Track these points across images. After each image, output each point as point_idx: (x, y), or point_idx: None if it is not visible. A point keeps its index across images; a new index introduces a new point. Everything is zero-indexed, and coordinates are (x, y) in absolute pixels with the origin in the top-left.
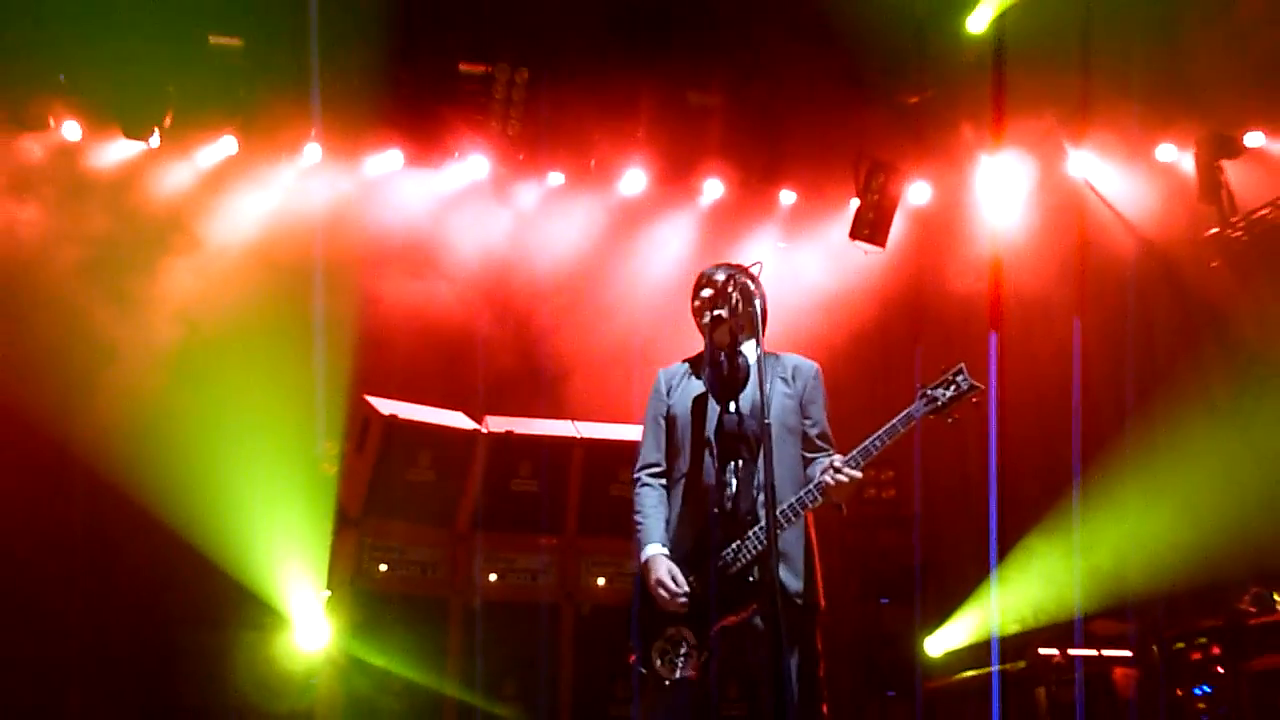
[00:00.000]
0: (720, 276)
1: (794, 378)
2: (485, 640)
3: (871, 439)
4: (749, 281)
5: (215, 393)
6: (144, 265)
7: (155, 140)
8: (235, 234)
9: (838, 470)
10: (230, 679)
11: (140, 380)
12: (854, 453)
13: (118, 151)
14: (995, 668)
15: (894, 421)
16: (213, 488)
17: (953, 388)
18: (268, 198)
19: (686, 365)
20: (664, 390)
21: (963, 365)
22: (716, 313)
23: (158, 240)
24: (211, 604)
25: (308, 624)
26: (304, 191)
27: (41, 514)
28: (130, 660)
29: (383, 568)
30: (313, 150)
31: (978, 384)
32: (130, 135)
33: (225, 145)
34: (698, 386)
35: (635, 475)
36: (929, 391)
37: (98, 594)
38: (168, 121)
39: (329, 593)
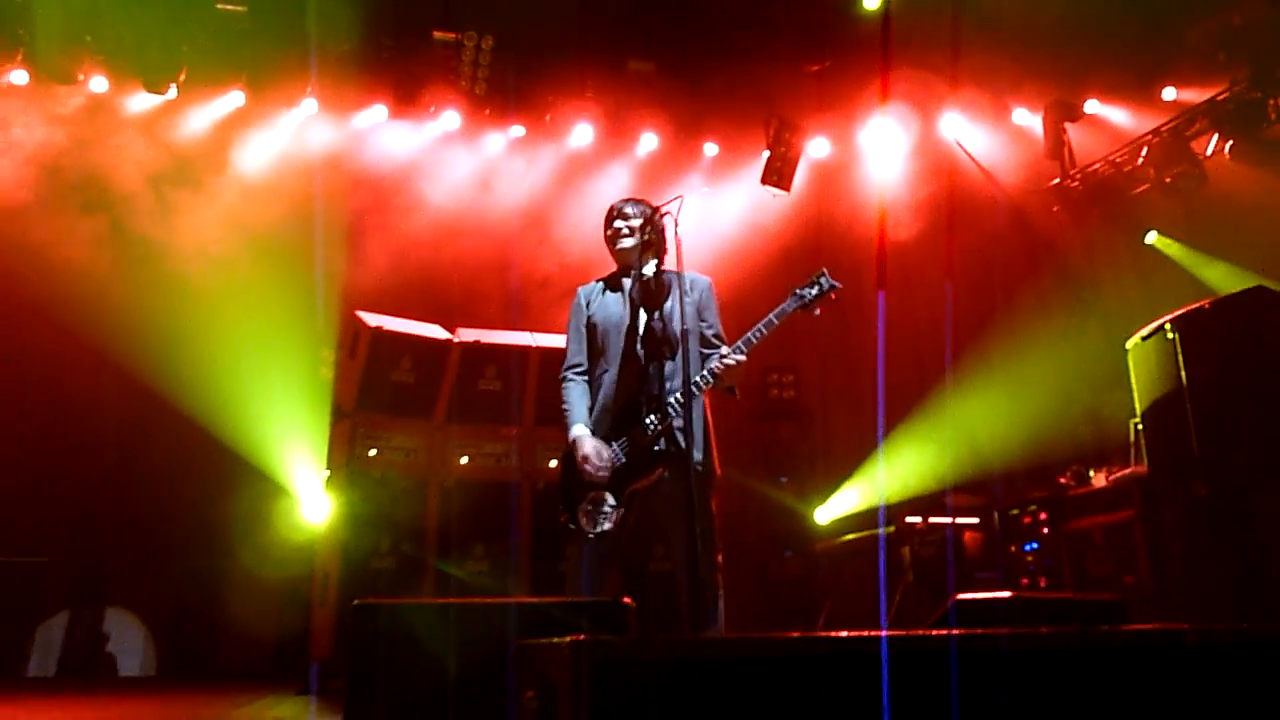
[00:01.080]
0: (629, 210)
1: (692, 289)
2: (458, 513)
3: (752, 330)
4: (651, 211)
5: (229, 308)
6: (166, 198)
7: (172, 93)
8: (244, 173)
9: (724, 357)
10: (243, 546)
11: (164, 297)
12: (738, 342)
13: (140, 103)
14: (881, 530)
15: (770, 315)
16: (229, 387)
17: (816, 287)
18: (272, 143)
19: (601, 283)
20: (584, 304)
21: (824, 269)
22: (625, 243)
23: (177, 176)
24: (228, 483)
25: (309, 501)
26: (303, 138)
27: (81, 407)
28: (157, 531)
29: (372, 452)
30: (309, 103)
31: (837, 283)
32: (150, 89)
33: (233, 98)
34: (613, 298)
35: (562, 374)
36: (798, 290)
37: (127, 474)
38: (182, 77)
39: (328, 473)
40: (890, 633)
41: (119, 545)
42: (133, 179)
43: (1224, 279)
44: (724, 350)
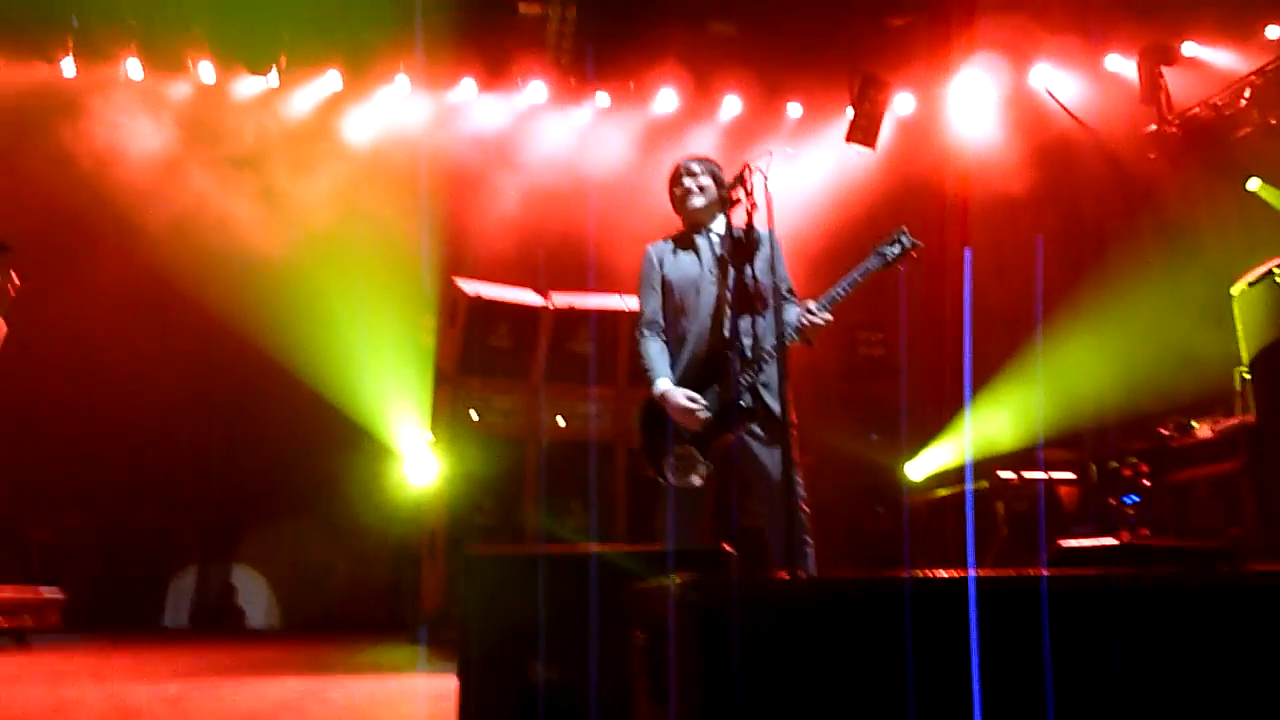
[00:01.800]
0: (696, 168)
1: (761, 243)
2: (554, 472)
3: (835, 287)
4: (718, 169)
5: (337, 279)
6: (275, 177)
7: (274, 78)
8: (346, 150)
9: (812, 313)
10: (355, 506)
11: (278, 271)
12: (822, 299)
13: (246, 87)
14: (969, 486)
15: (851, 273)
16: (339, 355)
17: (898, 245)
18: (370, 120)
19: (670, 242)
20: (656, 261)
21: (904, 226)
22: (694, 202)
23: (284, 155)
24: (340, 446)
25: (415, 461)
26: (399, 115)
27: (204, 377)
28: (277, 493)
29: (474, 415)
30: (402, 80)
31: (918, 241)
32: (253, 72)
33: (331, 79)
34: (687, 258)
35: (639, 331)
36: (879, 248)
37: (248, 440)
38: (283, 61)
39: (433, 435)
40: (997, 572)
41: (242, 505)
42: (242, 159)
43: None
44: (811, 305)
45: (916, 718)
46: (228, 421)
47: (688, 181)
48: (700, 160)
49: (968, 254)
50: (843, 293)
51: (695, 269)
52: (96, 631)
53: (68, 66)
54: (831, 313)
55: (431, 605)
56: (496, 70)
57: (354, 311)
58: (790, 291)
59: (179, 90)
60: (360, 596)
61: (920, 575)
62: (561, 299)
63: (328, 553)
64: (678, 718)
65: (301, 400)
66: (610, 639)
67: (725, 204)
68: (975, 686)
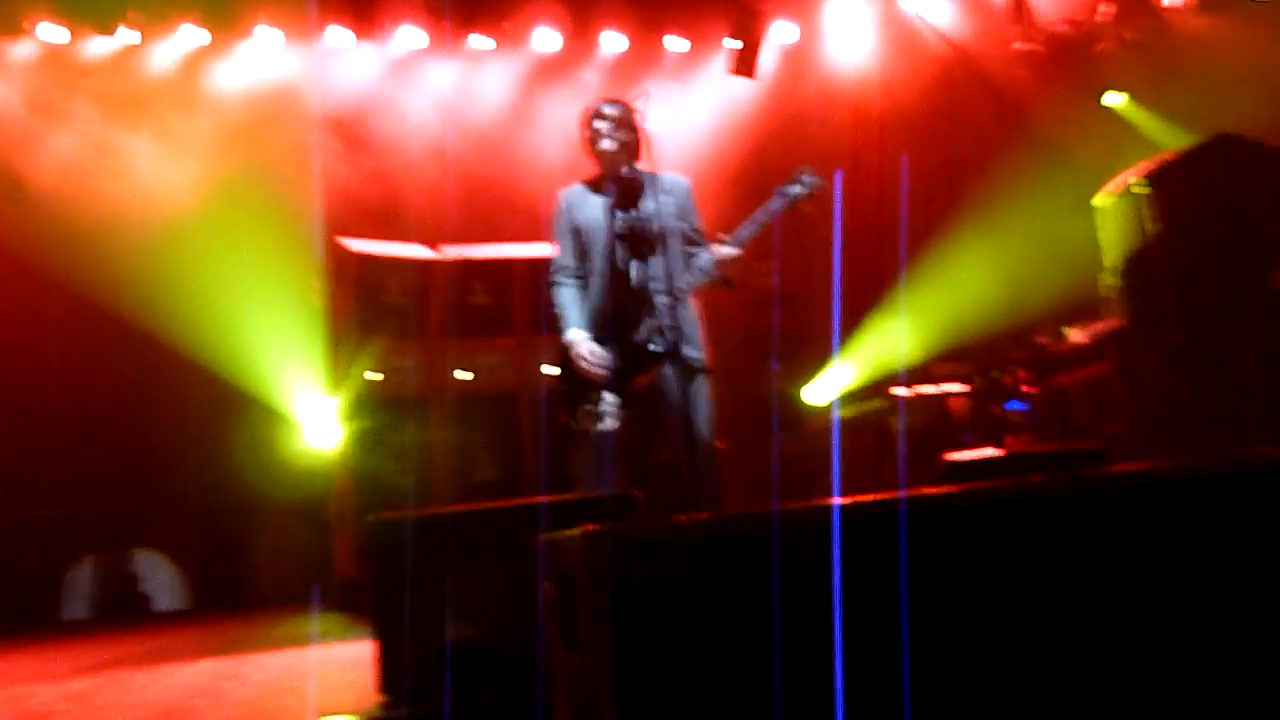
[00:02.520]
0: (608, 111)
1: (671, 190)
2: (460, 425)
3: (740, 229)
4: (631, 113)
5: (216, 246)
6: (139, 141)
7: (132, 35)
8: (214, 109)
9: (721, 244)
10: (257, 477)
11: (153, 241)
12: (730, 238)
13: (97, 47)
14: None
15: (756, 213)
16: (226, 325)
17: (799, 184)
18: (237, 76)
19: (582, 186)
20: (565, 207)
21: (808, 166)
22: (606, 144)
23: (146, 118)
24: (236, 418)
25: (316, 427)
26: (271, 68)
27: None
28: (175, 471)
29: (372, 375)
30: (270, 32)
31: (821, 180)
32: (101, 31)
33: (192, 34)
34: (596, 201)
35: (551, 278)
36: (782, 189)
37: (141, 420)
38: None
39: (334, 399)
40: (892, 495)
41: (140, 488)
42: (100, 124)
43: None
44: (720, 240)
45: (804, 650)
46: (114, 401)
47: (598, 124)
48: (612, 103)
49: (838, 175)
50: (748, 233)
51: (601, 214)
52: None
53: None
54: (742, 249)
55: (345, 572)
56: (366, 17)
57: (238, 278)
58: (699, 232)
59: (22, 53)
60: (270, 569)
61: (798, 507)
62: (453, 251)
63: (233, 528)
64: (590, 665)
65: (194, 376)
66: (522, 592)
67: (637, 147)
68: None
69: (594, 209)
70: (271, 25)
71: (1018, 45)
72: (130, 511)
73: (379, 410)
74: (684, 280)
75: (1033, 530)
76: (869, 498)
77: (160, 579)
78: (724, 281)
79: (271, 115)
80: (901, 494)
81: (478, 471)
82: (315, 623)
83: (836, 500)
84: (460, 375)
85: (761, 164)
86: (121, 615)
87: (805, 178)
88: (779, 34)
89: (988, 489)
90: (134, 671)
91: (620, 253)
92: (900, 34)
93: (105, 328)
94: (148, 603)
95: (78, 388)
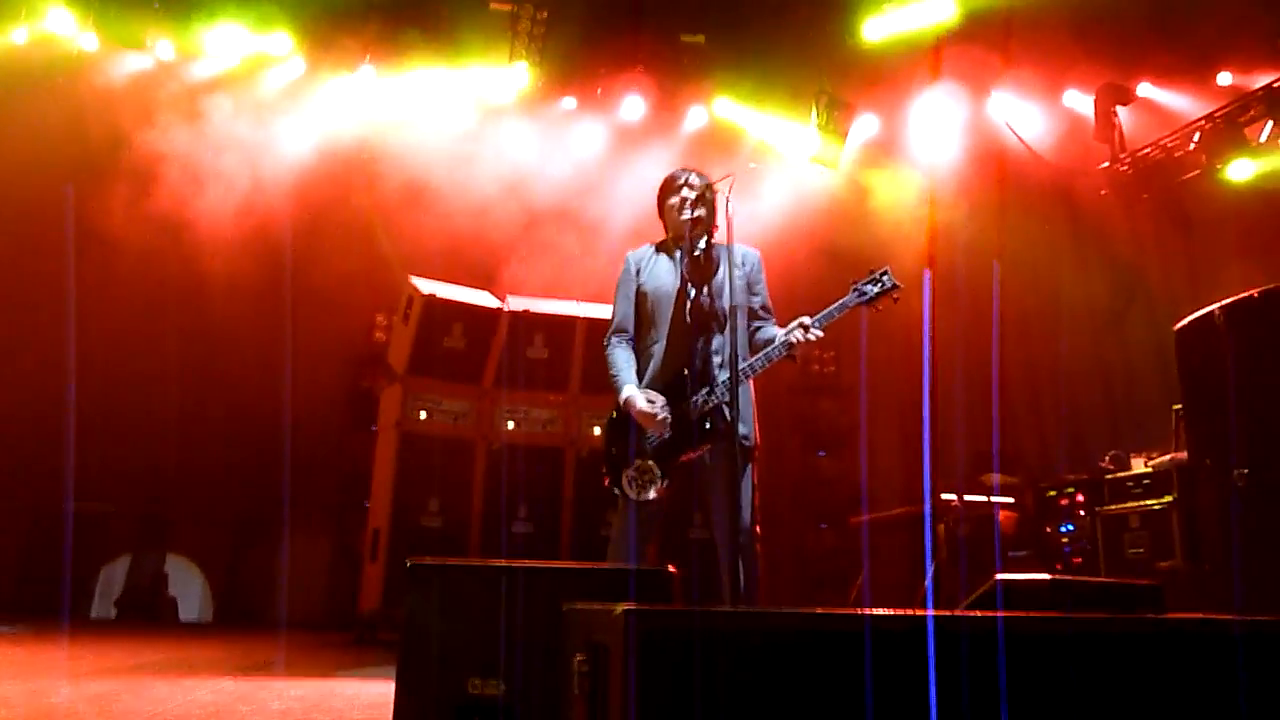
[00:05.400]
0: (696, 181)
1: (743, 262)
2: (503, 474)
3: (823, 313)
4: (712, 189)
5: (288, 271)
6: (229, 162)
7: (235, 60)
8: (306, 138)
9: (807, 328)
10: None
11: (225, 259)
12: (818, 317)
13: (202, 69)
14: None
15: (831, 307)
16: (286, 345)
17: (879, 285)
18: (331, 108)
19: (652, 248)
20: (633, 270)
21: (888, 266)
22: (697, 213)
23: (240, 142)
24: (283, 439)
25: (363, 460)
26: (362, 105)
27: (146, 361)
28: (217, 484)
29: (423, 415)
30: (366, 70)
31: (899, 283)
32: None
33: (292, 64)
34: (665, 267)
35: (607, 338)
36: (859, 285)
37: (190, 427)
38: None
39: (380, 433)
40: (936, 612)
41: (180, 496)
42: (199, 146)
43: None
44: (805, 319)
45: None
46: (171, 410)
47: (686, 192)
48: (699, 174)
49: (927, 275)
50: (827, 319)
51: (670, 280)
52: (23, 623)
53: None
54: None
55: (370, 606)
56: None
57: (304, 304)
58: (765, 309)
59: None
60: (295, 591)
61: (838, 613)
62: (518, 303)
63: (267, 548)
64: None
65: (247, 390)
66: (550, 658)
67: (711, 223)
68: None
69: (663, 275)
70: (369, 64)
71: (1105, 165)
72: (165, 515)
73: (424, 450)
74: (744, 357)
75: (1081, 667)
76: (906, 611)
77: (189, 586)
78: (789, 357)
79: (361, 152)
80: (929, 610)
81: (515, 523)
82: (338, 652)
83: (869, 611)
84: (509, 425)
85: (832, 255)
86: (147, 618)
87: (884, 278)
88: (863, 126)
89: (1045, 619)
90: (155, 681)
91: (687, 324)
92: (984, 139)
93: (170, 332)
94: (175, 608)
95: (135, 387)
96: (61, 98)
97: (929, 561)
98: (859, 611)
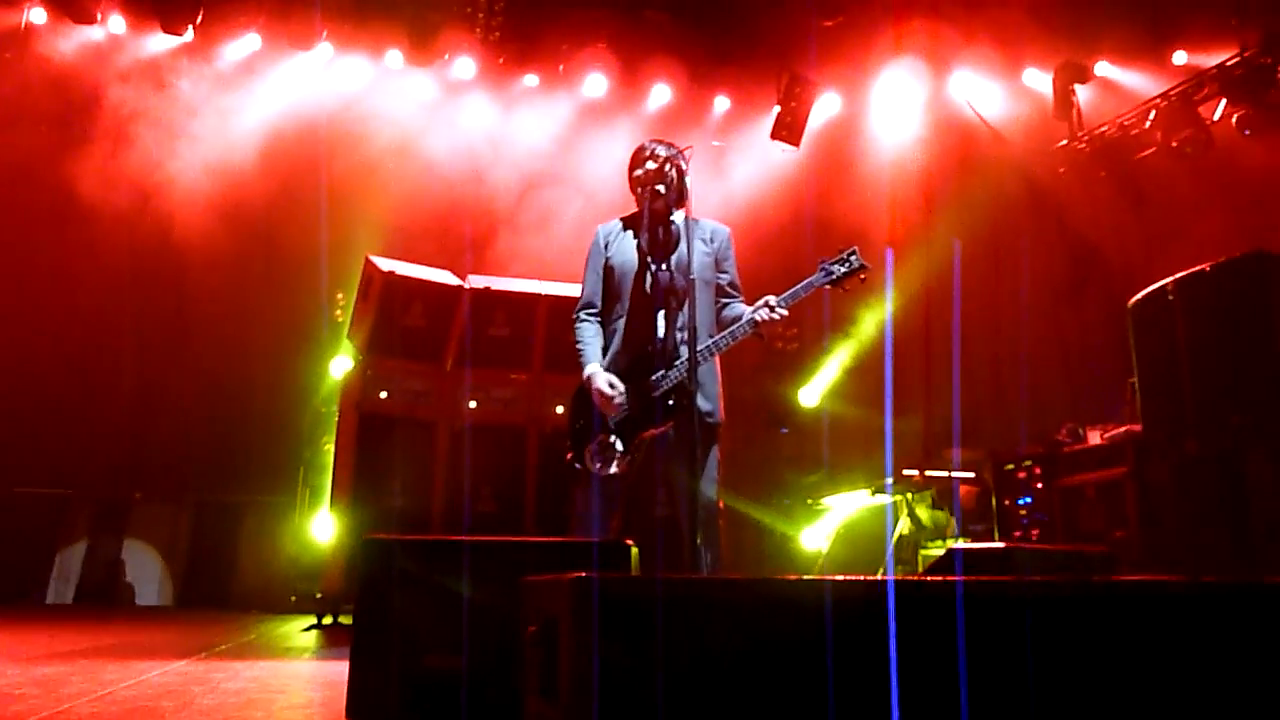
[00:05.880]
0: (662, 153)
1: (711, 239)
2: (466, 453)
3: (789, 292)
4: (683, 162)
5: (245, 249)
6: (183, 138)
7: (189, 35)
8: (262, 116)
9: (773, 308)
10: (256, 484)
11: (182, 235)
12: (783, 296)
13: (157, 44)
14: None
15: (798, 286)
16: (243, 325)
17: (845, 265)
18: (288, 86)
19: (620, 223)
20: (602, 244)
21: (855, 247)
22: (658, 187)
23: (195, 117)
24: (241, 422)
25: (320, 440)
26: (319, 83)
27: (105, 346)
28: (175, 468)
29: (383, 394)
30: (324, 47)
31: (867, 264)
32: (167, 30)
33: (249, 41)
34: (632, 242)
35: (576, 313)
36: (827, 265)
37: (147, 412)
38: (200, 18)
39: (340, 413)
40: (895, 578)
41: (139, 479)
42: (152, 120)
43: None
44: (771, 299)
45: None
46: (128, 395)
47: (650, 163)
48: (666, 144)
49: (889, 254)
50: (794, 298)
51: (636, 256)
52: None
53: None
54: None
55: (331, 587)
56: (422, 42)
57: (262, 282)
58: (733, 286)
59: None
60: (256, 574)
61: (796, 579)
62: (479, 280)
63: (225, 531)
64: (566, 716)
65: (205, 374)
66: (506, 630)
67: (683, 194)
68: (830, 689)
69: (630, 250)
70: (326, 41)
71: (1063, 143)
72: (123, 500)
73: (385, 430)
74: (710, 334)
75: (1034, 629)
76: (859, 578)
77: (147, 571)
78: (756, 335)
79: (318, 131)
80: (889, 578)
81: (478, 502)
82: (297, 634)
83: (829, 578)
84: (471, 405)
85: (795, 232)
86: (104, 603)
87: (852, 258)
88: (825, 104)
89: (992, 583)
90: (106, 664)
91: (648, 301)
92: (946, 118)
93: (127, 314)
94: (132, 594)
95: (93, 370)
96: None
97: (890, 534)
98: (818, 578)
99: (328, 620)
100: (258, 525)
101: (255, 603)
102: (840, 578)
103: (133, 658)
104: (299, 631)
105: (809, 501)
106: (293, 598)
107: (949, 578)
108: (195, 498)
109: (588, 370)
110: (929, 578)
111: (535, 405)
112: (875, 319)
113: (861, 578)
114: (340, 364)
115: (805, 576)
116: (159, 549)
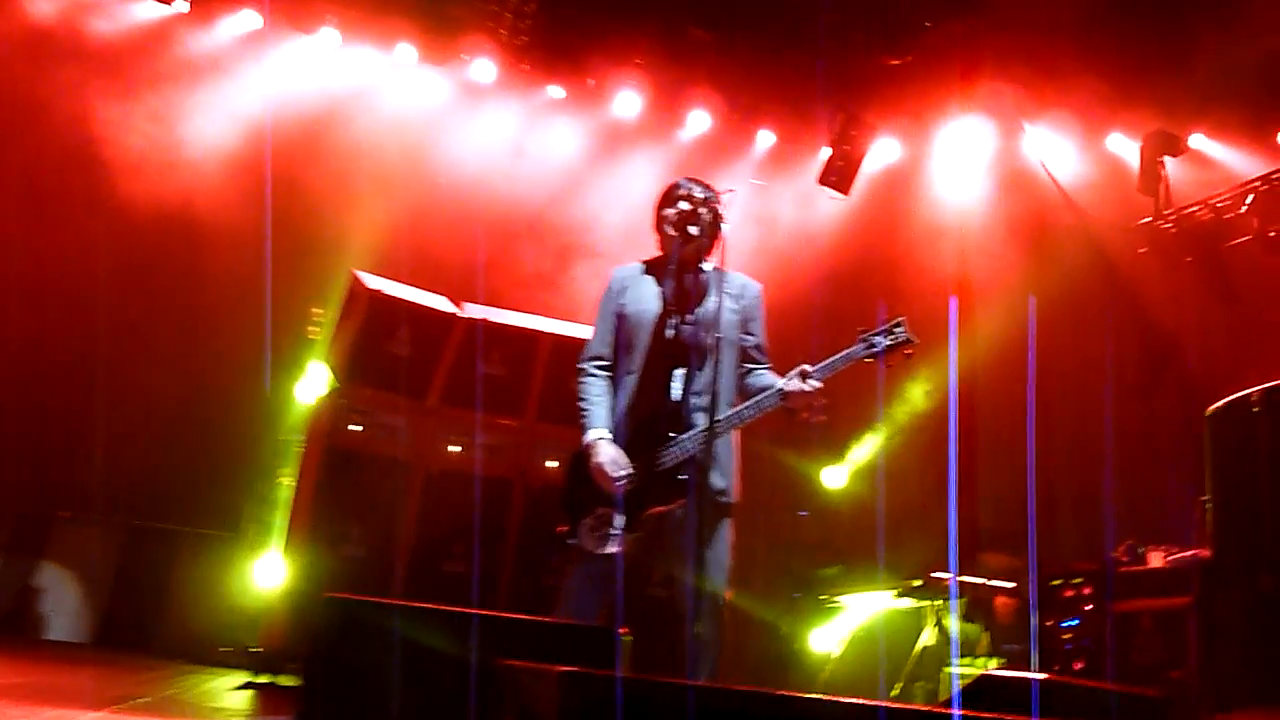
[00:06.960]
0: (699, 194)
1: (741, 295)
2: (441, 504)
3: (825, 363)
4: (720, 206)
5: (216, 253)
6: (167, 121)
7: (183, 5)
8: (251, 102)
9: (807, 376)
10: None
11: (146, 232)
12: (819, 367)
13: (146, 10)
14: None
15: (835, 358)
16: (203, 334)
17: (890, 337)
18: (285, 72)
19: (641, 266)
20: (616, 290)
21: (903, 318)
22: (690, 229)
23: (177, 97)
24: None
25: (281, 473)
26: (319, 72)
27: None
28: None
29: (356, 427)
30: (329, 34)
31: (914, 338)
32: None
33: (246, 18)
34: (652, 290)
35: (581, 365)
36: (868, 336)
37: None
38: None
39: (304, 445)
40: (892, 704)
41: (65, 496)
42: (134, 95)
43: None
44: (806, 367)
45: None
46: (59, 401)
47: (684, 205)
48: (704, 185)
49: (953, 302)
50: (829, 370)
51: (656, 304)
52: None
53: None
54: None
55: (271, 643)
56: (440, 38)
57: (232, 290)
58: (759, 350)
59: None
60: (187, 618)
61: (800, 698)
62: (475, 310)
63: (158, 565)
64: None
65: (154, 383)
66: (480, 715)
67: (714, 242)
68: None
69: (649, 297)
70: (332, 26)
71: (1146, 220)
72: (45, 517)
73: (353, 468)
74: (730, 403)
75: None
76: (871, 703)
77: (64, 602)
78: (784, 407)
79: (313, 125)
80: (883, 701)
81: (448, 560)
82: (229, 689)
83: (823, 697)
84: (452, 449)
85: (835, 289)
86: (10, 632)
87: (898, 329)
88: (881, 151)
89: None
90: (9, 708)
91: (665, 357)
92: (1015, 177)
93: (68, 316)
94: (44, 626)
95: (21, 374)
96: None
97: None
98: (812, 696)
99: (264, 679)
100: (194, 560)
101: (182, 650)
102: (835, 699)
103: (41, 702)
104: (228, 690)
105: (822, 598)
106: (222, 648)
107: (980, 714)
108: (127, 522)
109: (590, 435)
110: (936, 708)
111: (524, 456)
112: (923, 391)
113: (864, 701)
114: (307, 387)
115: (805, 694)
116: (80, 577)
